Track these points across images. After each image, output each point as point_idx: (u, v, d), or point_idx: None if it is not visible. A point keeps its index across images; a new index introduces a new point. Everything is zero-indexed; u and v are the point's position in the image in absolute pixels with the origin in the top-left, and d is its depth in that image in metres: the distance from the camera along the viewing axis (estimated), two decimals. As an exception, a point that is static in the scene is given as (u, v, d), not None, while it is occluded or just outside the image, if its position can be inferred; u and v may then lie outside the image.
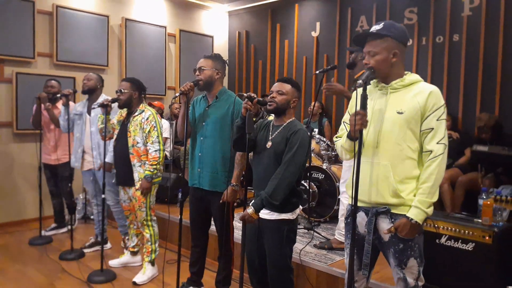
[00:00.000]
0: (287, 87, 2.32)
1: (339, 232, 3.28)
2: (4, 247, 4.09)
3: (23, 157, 4.90)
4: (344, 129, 2.05)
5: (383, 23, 1.90)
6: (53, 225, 4.59)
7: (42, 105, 4.13)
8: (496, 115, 4.25)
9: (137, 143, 3.25)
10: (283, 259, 2.30)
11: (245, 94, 2.23)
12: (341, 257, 3.16)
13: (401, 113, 1.83)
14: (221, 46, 7.03)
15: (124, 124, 3.36)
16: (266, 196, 2.15)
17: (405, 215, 1.82)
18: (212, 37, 6.86)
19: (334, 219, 4.20)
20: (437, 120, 1.81)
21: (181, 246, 3.92)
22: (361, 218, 1.95)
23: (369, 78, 1.81)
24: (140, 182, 3.23)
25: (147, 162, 3.22)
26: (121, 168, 3.36)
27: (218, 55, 2.86)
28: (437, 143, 1.79)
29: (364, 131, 1.85)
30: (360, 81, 1.71)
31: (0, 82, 4.71)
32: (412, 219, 1.79)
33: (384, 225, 1.88)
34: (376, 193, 1.87)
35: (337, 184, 4.05)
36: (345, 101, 5.55)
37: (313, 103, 5.41)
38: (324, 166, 4.26)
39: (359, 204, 1.92)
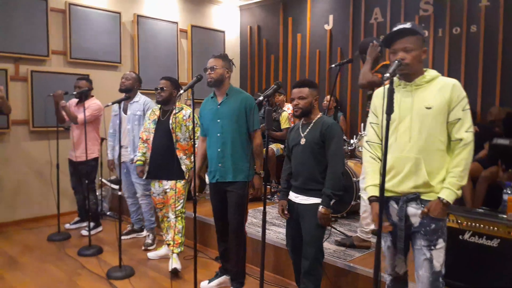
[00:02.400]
0: (305, 90, 2.50)
1: (362, 230, 3.25)
2: (24, 243, 4.14)
3: (40, 154, 4.94)
4: (372, 131, 2.14)
5: (410, 23, 1.99)
6: (76, 218, 4.70)
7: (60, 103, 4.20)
8: (507, 108, 4.16)
9: (180, 138, 3.43)
10: (318, 240, 2.47)
11: (260, 98, 2.25)
12: (360, 254, 3.13)
13: (430, 108, 1.92)
14: (232, 41, 7.01)
15: (161, 121, 3.51)
16: (331, 191, 2.37)
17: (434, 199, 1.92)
18: (223, 32, 6.84)
19: (351, 215, 4.17)
20: (463, 110, 1.92)
21: (199, 243, 3.99)
22: (393, 207, 2.04)
23: (396, 71, 1.80)
24: (188, 173, 3.43)
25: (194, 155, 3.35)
26: (159, 162, 3.48)
27: (226, 54, 3.02)
28: (466, 131, 1.91)
29: (395, 129, 1.97)
30: (387, 74, 1.68)
31: (16, 81, 4.74)
32: (443, 199, 1.89)
33: (414, 210, 1.97)
34: (407, 184, 1.96)
35: (354, 179, 4.02)
36: (360, 94, 5.50)
37: (327, 97, 5.38)
38: (340, 161, 4.21)
39: (390, 194, 2.03)
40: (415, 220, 1.97)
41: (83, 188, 4.45)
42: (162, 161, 3.48)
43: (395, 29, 1.97)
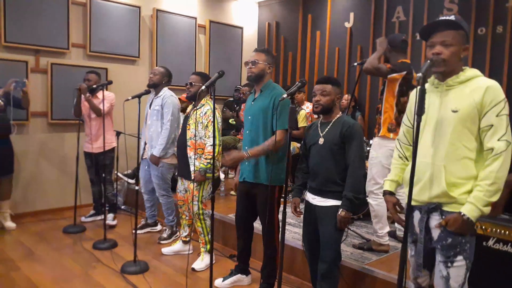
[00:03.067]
0: (328, 87, 2.43)
1: (377, 235, 3.18)
2: (40, 234, 4.18)
3: (58, 146, 4.98)
4: (402, 131, 2.06)
5: (454, 16, 1.82)
6: (92, 212, 4.72)
7: (82, 96, 4.25)
8: None
9: (194, 136, 3.35)
10: (336, 243, 2.41)
11: (284, 95, 2.18)
12: (378, 257, 3.07)
13: (456, 111, 1.76)
14: (250, 37, 6.96)
15: (186, 117, 3.48)
16: (352, 195, 2.30)
17: (457, 212, 1.75)
18: (241, 28, 6.79)
19: (367, 216, 4.09)
20: (497, 116, 1.72)
21: (217, 241, 3.98)
22: (416, 217, 1.92)
23: (428, 70, 1.71)
24: (194, 173, 3.36)
25: (202, 156, 3.33)
26: (181, 160, 3.52)
27: (269, 49, 2.93)
28: (498, 140, 1.71)
29: (420, 131, 1.81)
30: (420, 74, 1.62)
31: (36, 73, 4.78)
32: (464, 214, 1.71)
33: (435, 222, 1.84)
34: (428, 193, 1.83)
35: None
36: (379, 93, 5.39)
37: (345, 96, 5.30)
38: (358, 161, 4.14)
39: (414, 203, 1.88)
40: (435, 233, 1.83)
41: (100, 180, 4.48)
42: (180, 158, 3.50)
43: (436, 20, 1.82)
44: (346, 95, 5.30)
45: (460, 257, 1.77)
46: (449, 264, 1.78)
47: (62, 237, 4.14)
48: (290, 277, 3.29)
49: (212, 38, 6.42)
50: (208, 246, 3.45)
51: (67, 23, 4.88)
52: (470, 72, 1.81)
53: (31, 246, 3.84)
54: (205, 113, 3.34)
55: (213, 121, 2.60)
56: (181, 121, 3.84)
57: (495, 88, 1.74)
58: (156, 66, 5.68)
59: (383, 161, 3.05)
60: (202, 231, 3.44)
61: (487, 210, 1.72)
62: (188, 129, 3.38)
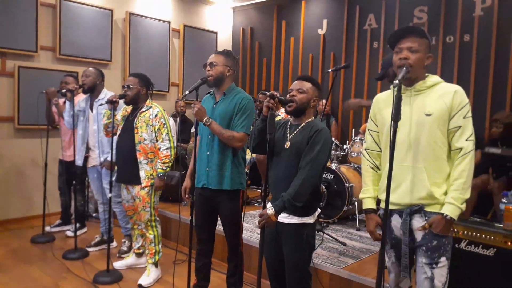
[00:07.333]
0: (307, 85, 2.21)
1: None
2: (7, 245, 4.00)
3: (25, 152, 4.80)
4: (370, 139, 2.07)
5: (418, 27, 1.93)
6: (58, 221, 4.52)
7: (52, 100, 4.08)
8: None
9: (144, 139, 3.17)
10: (302, 265, 2.20)
11: (267, 93, 2.14)
12: (354, 260, 3.10)
13: (429, 115, 1.84)
14: (225, 42, 6.95)
15: (128, 120, 3.26)
16: (289, 198, 2.02)
17: (439, 212, 1.82)
18: (216, 33, 6.78)
19: (342, 220, 4.15)
20: (464, 118, 1.83)
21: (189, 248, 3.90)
22: (396, 221, 1.94)
23: (404, 77, 1.76)
24: (146, 180, 3.16)
25: (158, 160, 3.16)
26: (124, 165, 3.23)
27: (230, 51, 2.77)
28: (466, 140, 1.82)
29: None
30: (396, 81, 1.66)
31: (2, 76, 4.59)
32: (447, 215, 1.79)
33: (418, 224, 1.87)
34: (410, 195, 1.87)
35: (346, 185, 3.99)
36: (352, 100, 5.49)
37: (321, 101, 5.36)
38: (333, 166, 4.19)
39: (392, 207, 1.91)
40: (418, 235, 1.87)
41: (69, 189, 4.30)
42: (124, 163, 3.22)
43: (404, 27, 1.89)
44: (322, 101, 5.37)
45: (443, 258, 1.84)
46: (434, 266, 1.84)
47: (30, 247, 3.98)
48: (262, 281, 3.27)
49: (186, 43, 6.37)
50: (157, 257, 3.30)
51: (35, 25, 4.73)
52: (434, 78, 1.91)
53: (-4, 257, 3.68)
54: (156, 115, 3.17)
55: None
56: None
57: (461, 92, 1.86)
58: (129, 70, 5.59)
59: None
60: (153, 240, 3.27)
61: (464, 207, 1.81)
62: (136, 133, 3.16)
